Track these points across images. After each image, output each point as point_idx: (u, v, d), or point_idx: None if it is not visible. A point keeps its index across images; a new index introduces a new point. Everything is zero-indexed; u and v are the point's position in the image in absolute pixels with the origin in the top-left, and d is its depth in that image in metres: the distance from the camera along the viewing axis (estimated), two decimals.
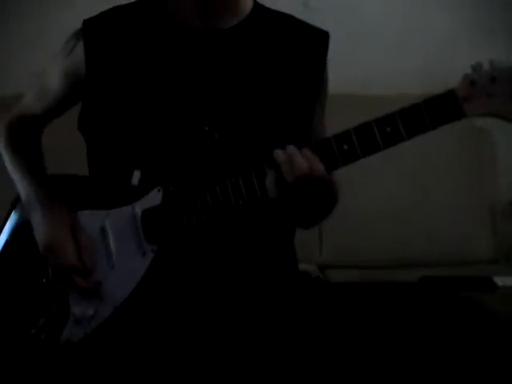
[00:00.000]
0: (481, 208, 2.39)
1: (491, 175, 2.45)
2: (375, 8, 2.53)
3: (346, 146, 1.00)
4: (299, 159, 1.01)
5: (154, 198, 1.13)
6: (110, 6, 1.27)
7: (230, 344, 1.13)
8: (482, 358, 1.19)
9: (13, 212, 1.32)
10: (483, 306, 1.35)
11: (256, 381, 1.11)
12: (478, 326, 1.28)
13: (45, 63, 1.35)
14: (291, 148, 1.03)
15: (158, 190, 1.13)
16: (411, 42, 2.51)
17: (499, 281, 1.79)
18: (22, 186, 1.29)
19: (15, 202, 1.32)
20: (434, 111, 0.96)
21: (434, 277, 1.85)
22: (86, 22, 1.24)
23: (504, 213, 2.41)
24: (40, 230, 1.23)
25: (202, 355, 1.12)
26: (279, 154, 1.03)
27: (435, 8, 2.53)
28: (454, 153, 2.37)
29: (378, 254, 2.29)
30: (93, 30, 1.23)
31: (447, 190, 2.35)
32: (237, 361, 1.12)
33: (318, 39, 1.24)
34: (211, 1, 1.17)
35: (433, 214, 2.32)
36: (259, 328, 1.16)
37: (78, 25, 1.26)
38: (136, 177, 1.15)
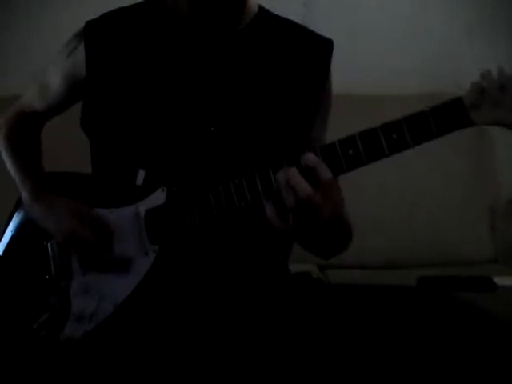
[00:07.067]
0: (480, 208, 2.39)
1: (491, 175, 2.45)
2: (375, 8, 2.53)
3: (351, 151, 0.98)
4: (299, 179, 0.95)
5: (158, 197, 1.13)
6: (110, 7, 1.26)
7: (231, 344, 1.13)
8: (482, 360, 1.19)
9: (17, 209, 1.32)
10: (482, 308, 1.35)
11: (255, 381, 1.11)
12: (478, 330, 1.28)
13: (44, 64, 1.35)
14: (291, 171, 0.96)
15: (162, 190, 1.13)
16: (411, 42, 2.51)
17: (499, 281, 1.79)
18: (18, 180, 1.31)
19: (20, 199, 1.32)
20: (441, 118, 0.94)
21: (433, 277, 1.85)
22: (88, 24, 1.24)
23: (504, 213, 2.40)
24: (49, 220, 1.22)
25: (203, 355, 1.12)
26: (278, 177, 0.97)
27: (435, 8, 2.53)
28: (454, 152, 2.36)
29: (377, 254, 2.29)
30: (94, 32, 1.23)
31: (447, 189, 2.35)
32: (237, 361, 1.12)
33: (322, 47, 1.24)
34: (215, 5, 1.17)
35: (432, 213, 2.33)
36: (260, 329, 1.16)
37: (78, 26, 1.26)
38: (141, 176, 1.15)
